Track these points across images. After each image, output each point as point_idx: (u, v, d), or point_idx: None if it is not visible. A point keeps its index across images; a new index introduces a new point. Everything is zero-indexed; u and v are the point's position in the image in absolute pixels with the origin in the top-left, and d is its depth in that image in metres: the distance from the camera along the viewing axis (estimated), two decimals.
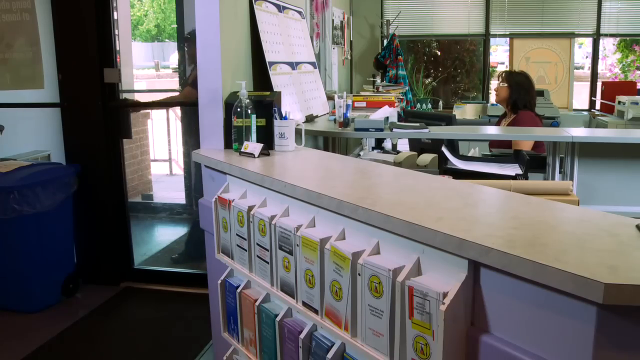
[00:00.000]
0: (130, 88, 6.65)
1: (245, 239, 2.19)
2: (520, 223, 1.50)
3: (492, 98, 7.78)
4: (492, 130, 4.06)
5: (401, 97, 6.00)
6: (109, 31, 3.99)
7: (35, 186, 3.61)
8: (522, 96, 4.16)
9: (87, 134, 4.01)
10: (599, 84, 7.30)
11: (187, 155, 6.38)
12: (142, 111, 6.24)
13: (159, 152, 7.43)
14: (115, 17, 4.09)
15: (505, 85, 4.12)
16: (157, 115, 6.97)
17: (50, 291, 3.86)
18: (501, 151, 3.90)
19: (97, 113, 3.98)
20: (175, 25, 6.64)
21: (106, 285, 4.13)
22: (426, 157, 3.34)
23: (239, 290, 2.31)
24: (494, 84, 8.02)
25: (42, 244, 3.74)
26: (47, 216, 3.71)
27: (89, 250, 4.15)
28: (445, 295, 1.35)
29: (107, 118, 4.01)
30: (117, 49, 4.12)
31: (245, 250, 2.21)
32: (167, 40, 14.97)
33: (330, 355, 1.75)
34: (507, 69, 4.37)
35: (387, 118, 3.94)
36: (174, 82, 9.41)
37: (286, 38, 3.92)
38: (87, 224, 4.10)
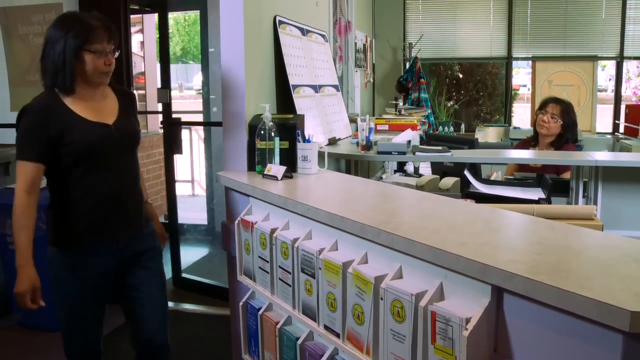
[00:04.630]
0: (154, 109, 6.75)
1: (268, 262, 2.20)
2: (544, 248, 1.49)
3: (515, 121, 7.76)
4: (514, 154, 4.03)
5: (423, 120, 5.99)
6: (128, 53, 4.07)
7: None
8: (573, 134, 4.10)
9: None
10: (622, 107, 7.25)
11: (209, 177, 6.43)
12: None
13: (182, 173, 7.50)
14: (142, 39, 4.17)
15: (561, 122, 4.02)
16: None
17: None
18: (524, 175, 3.87)
19: None
20: (200, 49, 6.73)
21: None
22: (448, 181, 3.34)
23: (260, 312, 2.32)
24: (517, 107, 8.00)
25: None
26: None
27: None
28: (468, 320, 1.35)
29: None
30: (143, 70, 4.19)
31: (268, 273, 2.22)
32: (191, 62, 15.16)
33: None
34: (556, 99, 4.20)
35: (409, 141, 3.94)
36: (197, 104, 9.52)
37: (309, 61, 3.95)
38: None
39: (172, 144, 4.29)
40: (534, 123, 4.21)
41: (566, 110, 4.04)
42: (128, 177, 2.35)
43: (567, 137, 4.04)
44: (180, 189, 7.31)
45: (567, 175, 3.84)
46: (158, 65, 7.86)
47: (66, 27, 2.13)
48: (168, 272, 4.33)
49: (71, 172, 2.19)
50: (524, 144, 4.38)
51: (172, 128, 4.24)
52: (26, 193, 2.14)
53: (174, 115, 4.38)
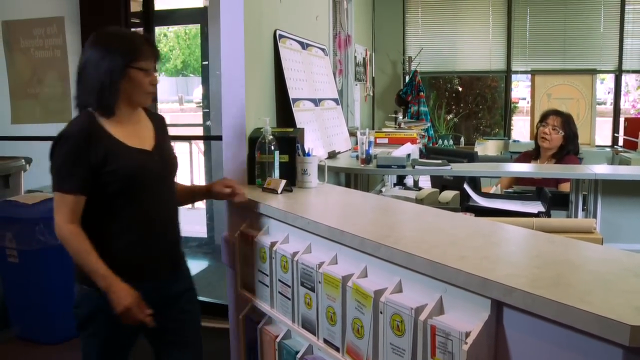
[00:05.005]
0: None
1: (267, 275, 2.20)
2: (544, 262, 1.49)
3: (514, 134, 7.77)
4: (514, 168, 4.04)
5: (423, 133, 6.01)
6: None
7: None
8: (574, 145, 4.11)
9: None
10: (621, 120, 7.26)
11: None
12: None
13: None
14: None
15: (563, 134, 4.04)
16: (180, 149, 7.06)
17: (71, 323, 3.86)
18: (523, 188, 3.87)
19: None
20: (200, 62, 6.76)
21: None
22: (448, 194, 3.34)
23: (260, 326, 2.31)
24: (516, 120, 8.01)
25: (65, 276, 3.75)
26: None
27: None
28: (468, 334, 1.34)
29: None
30: None
31: (267, 286, 2.22)
32: (191, 75, 15.19)
33: None
34: (557, 111, 4.21)
35: (409, 155, 3.95)
36: (197, 116, 9.54)
37: (309, 75, 3.96)
38: None
39: None
40: (535, 136, 4.23)
41: (567, 122, 4.06)
42: (170, 208, 2.21)
43: (569, 149, 4.06)
44: None
45: (565, 187, 3.84)
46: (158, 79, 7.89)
47: (111, 44, 2.02)
48: None
49: (110, 203, 2.03)
50: (525, 157, 4.39)
51: None
52: (70, 223, 1.98)
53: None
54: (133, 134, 2.09)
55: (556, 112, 4.13)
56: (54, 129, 4.29)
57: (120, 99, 2.04)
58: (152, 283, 2.12)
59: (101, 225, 2.04)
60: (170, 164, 2.22)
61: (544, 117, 4.12)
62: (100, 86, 1.99)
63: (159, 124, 2.26)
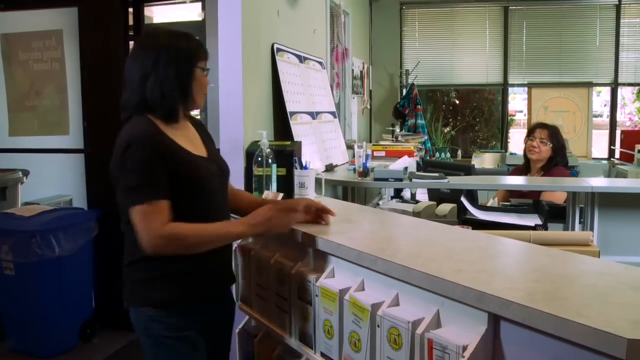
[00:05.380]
0: None
1: (264, 288, 2.20)
2: (541, 275, 1.49)
3: (511, 147, 7.79)
4: (510, 181, 4.05)
5: (420, 146, 6.02)
6: None
7: (57, 231, 3.65)
8: (562, 156, 4.13)
9: (109, 180, 4.06)
10: (618, 133, 7.29)
11: None
12: None
13: None
14: None
15: (551, 145, 4.06)
16: None
17: (67, 336, 3.86)
18: (520, 201, 3.88)
19: None
20: None
21: (123, 331, 4.12)
22: (445, 207, 3.34)
23: (256, 339, 2.31)
24: (513, 132, 8.03)
25: (61, 289, 3.76)
26: (68, 261, 3.74)
27: (107, 295, 4.15)
28: (465, 348, 1.34)
29: None
30: None
31: (264, 299, 2.21)
32: None
33: None
34: (543, 124, 4.25)
35: (406, 168, 3.96)
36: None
37: (307, 88, 3.98)
38: (107, 268, 4.11)
39: None
40: (524, 150, 4.25)
41: (553, 133, 4.09)
42: (227, 217, 2.08)
43: (557, 160, 4.07)
44: None
45: (548, 196, 3.84)
46: None
47: (178, 44, 1.90)
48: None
49: (175, 213, 1.83)
50: (516, 172, 4.42)
51: None
52: (164, 225, 1.79)
53: None
54: (187, 139, 1.97)
55: (542, 125, 4.18)
56: (52, 141, 4.32)
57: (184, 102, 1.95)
58: (213, 298, 2.03)
59: None
60: (226, 171, 2.12)
61: (531, 131, 4.16)
62: (170, 89, 1.88)
63: (202, 128, 2.14)
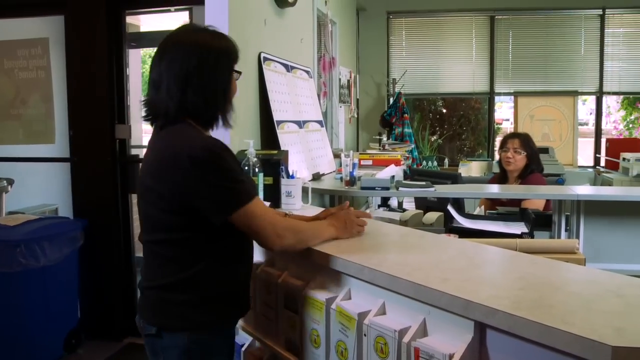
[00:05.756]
0: (140, 143, 6.74)
1: (251, 297, 2.19)
2: (527, 284, 1.50)
3: (498, 155, 7.81)
4: (496, 189, 4.07)
5: (407, 154, 6.03)
6: (121, 87, 4.06)
7: (41, 240, 3.62)
8: (537, 163, 4.15)
9: (95, 189, 4.05)
10: (603, 141, 7.35)
11: None
12: None
13: None
14: (127, 73, 4.18)
15: (524, 154, 4.08)
16: None
17: (52, 346, 3.82)
18: (507, 209, 3.90)
19: (106, 168, 4.02)
20: None
21: (109, 341, 4.10)
22: (432, 216, 3.35)
23: (243, 349, 2.30)
24: (499, 141, 8.06)
25: (46, 298, 3.73)
26: (53, 270, 3.71)
27: (93, 305, 4.13)
28: (451, 356, 1.35)
29: (116, 173, 4.06)
30: (128, 104, 4.19)
31: (251, 309, 2.20)
32: None
33: None
34: (515, 134, 4.31)
35: (393, 177, 3.96)
36: None
37: (294, 97, 3.98)
38: (93, 278, 4.09)
39: (128, 183, 4.14)
40: (499, 162, 4.28)
41: (525, 141, 4.13)
42: None
43: (532, 168, 4.10)
44: None
45: (529, 204, 3.86)
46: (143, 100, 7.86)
47: (220, 44, 1.79)
48: (120, 314, 4.21)
49: (231, 232, 1.74)
50: (494, 181, 4.44)
51: (129, 166, 4.13)
52: (281, 217, 1.79)
53: (133, 151, 4.32)
54: None
55: (513, 135, 4.25)
56: (37, 150, 4.29)
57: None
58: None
59: (218, 259, 1.76)
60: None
61: (503, 143, 4.20)
62: (214, 95, 1.76)
63: None
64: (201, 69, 1.72)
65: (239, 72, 1.85)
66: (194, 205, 1.67)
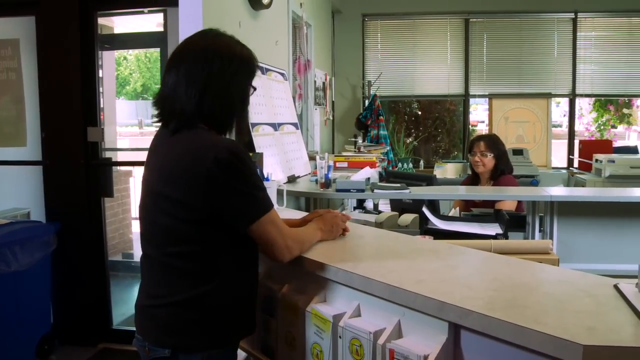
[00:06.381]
0: (114, 146, 6.68)
1: None
2: (501, 285, 1.50)
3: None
4: (470, 191, 4.10)
5: (382, 157, 6.06)
6: (94, 90, 4.01)
7: (12, 244, 3.56)
8: (506, 163, 4.18)
9: (68, 192, 4.00)
10: (576, 143, 7.44)
11: None
12: (125, 168, 6.24)
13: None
14: (100, 75, 4.12)
15: (492, 155, 4.11)
16: (139, 173, 6.98)
17: (23, 353, 3.76)
18: (481, 211, 3.93)
19: (79, 171, 3.96)
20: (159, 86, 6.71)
21: (83, 347, 4.04)
22: (407, 217, 3.36)
23: None
24: None
25: (17, 304, 3.67)
26: (24, 275, 3.65)
27: (66, 310, 4.07)
28: (426, 358, 1.35)
29: (89, 176, 4.00)
30: (102, 106, 4.14)
31: None
32: (151, 98, 15.12)
33: None
34: (482, 136, 4.36)
35: (368, 179, 3.97)
36: None
37: (269, 100, 3.97)
38: (66, 283, 4.04)
39: (101, 186, 4.10)
40: (470, 165, 4.32)
41: (491, 143, 4.16)
42: None
43: (502, 168, 4.13)
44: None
45: (502, 205, 3.90)
46: (117, 102, 7.81)
47: (242, 52, 1.77)
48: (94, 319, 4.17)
49: (245, 243, 1.72)
50: (467, 182, 4.48)
51: (102, 169, 4.09)
52: (289, 229, 1.76)
53: (107, 154, 4.27)
54: None
55: (479, 138, 4.28)
56: (8, 153, 4.22)
57: None
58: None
59: (232, 270, 1.71)
60: None
61: (470, 147, 4.23)
62: (232, 102, 1.73)
63: None
64: (222, 74, 1.68)
65: (255, 88, 1.82)
66: (218, 209, 1.62)
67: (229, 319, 1.69)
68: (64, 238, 3.90)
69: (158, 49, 6.75)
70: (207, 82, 1.66)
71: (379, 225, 3.35)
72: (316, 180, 3.77)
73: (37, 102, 4.04)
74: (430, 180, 4.14)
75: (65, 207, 4.01)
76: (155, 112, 1.76)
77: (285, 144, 4.15)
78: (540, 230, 3.75)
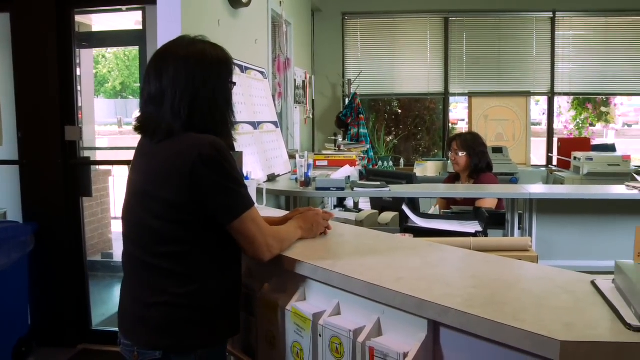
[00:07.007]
0: (92, 145, 6.62)
1: None
2: (480, 282, 1.51)
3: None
4: (450, 189, 4.12)
5: (363, 155, 6.06)
6: (72, 88, 3.97)
7: None
8: (482, 159, 4.20)
9: (46, 192, 3.95)
10: (555, 141, 7.51)
11: None
12: (104, 168, 6.19)
13: (120, 210, 7.33)
14: (78, 74, 4.08)
15: (464, 154, 4.14)
16: (118, 173, 6.92)
17: (0, 355, 3.72)
18: (461, 209, 3.95)
19: (56, 171, 3.92)
20: (139, 84, 6.66)
21: (62, 348, 4.00)
22: (387, 216, 3.36)
23: None
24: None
25: None
26: (1, 276, 3.61)
27: (44, 311, 4.03)
28: (405, 355, 1.35)
29: (67, 176, 3.96)
30: (80, 105, 4.09)
31: None
32: (130, 97, 15.00)
33: None
34: (457, 135, 4.40)
35: (348, 177, 3.97)
36: (136, 139, 9.38)
37: (248, 98, 3.96)
38: (44, 283, 3.99)
39: (79, 186, 4.06)
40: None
41: (464, 142, 4.19)
42: None
43: (480, 166, 4.15)
44: (119, 226, 7.14)
45: (483, 203, 3.92)
46: (96, 100, 7.74)
47: (219, 56, 1.76)
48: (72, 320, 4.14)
49: (229, 241, 1.71)
50: (449, 180, 4.51)
51: (80, 168, 4.05)
52: (268, 227, 1.74)
53: (85, 153, 4.23)
54: None
55: (454, 137, 4.35)
56: None
57: None
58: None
59: (217, 269, 1.71)
60: None
61: (448, 146, 4.28)
62: (221, 107, 1.74)
63: None
64: (206, 82, 1.69)
65: (234, 83, 1.82)
66: (202, 205, 1.62)
67: (219, 318, 1.70)
68: (41, 238, 3.86)
69: (137, 47, 6.70)
70: (194, 94, 1.67)
71: (359, 223, 3.35)
72: (296, 179, 3.77)
73: (13, 101, 3.99)
74: (410, 179, 4.16)
75: (43, 207, 3.97)
76: (137, 125, 1.75)
77: (265, 143, 4.14)
78: (519, 228, 3.78)
